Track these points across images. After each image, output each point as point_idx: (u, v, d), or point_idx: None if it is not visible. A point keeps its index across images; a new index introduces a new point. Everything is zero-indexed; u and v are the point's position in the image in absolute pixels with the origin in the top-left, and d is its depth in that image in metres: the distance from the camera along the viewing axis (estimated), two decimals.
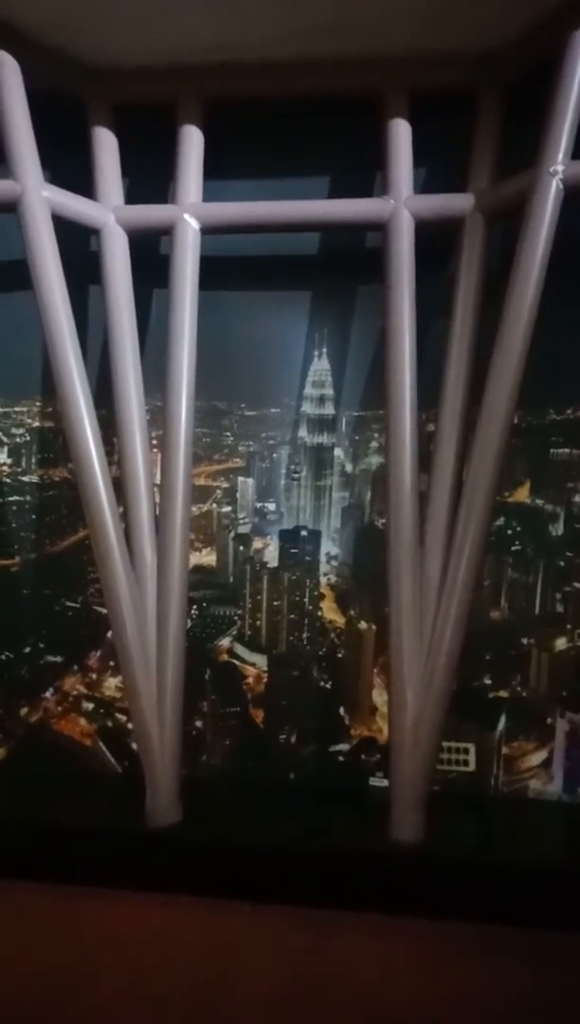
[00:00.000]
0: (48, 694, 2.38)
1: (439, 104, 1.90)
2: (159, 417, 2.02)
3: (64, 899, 1.92)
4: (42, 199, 1.85)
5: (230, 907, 1.87)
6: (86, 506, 1.93)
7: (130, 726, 2.26)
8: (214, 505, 2.34)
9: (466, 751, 2.17)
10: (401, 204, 1.88)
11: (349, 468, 2.27)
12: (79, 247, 2.07)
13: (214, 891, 1.91)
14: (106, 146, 2.03)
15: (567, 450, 2.11)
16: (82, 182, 2.01)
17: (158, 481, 2.02)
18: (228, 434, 2.29)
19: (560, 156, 1.68)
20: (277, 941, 1.80)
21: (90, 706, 2.37)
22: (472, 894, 1.86)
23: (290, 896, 1.89)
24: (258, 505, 2.33)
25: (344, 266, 2.15)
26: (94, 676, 2.37)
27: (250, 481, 2.32)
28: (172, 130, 1.99)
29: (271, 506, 2.32)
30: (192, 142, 1.98)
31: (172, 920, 1.86)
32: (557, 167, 1.68)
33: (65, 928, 1.85)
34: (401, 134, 1.90)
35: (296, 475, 2.30)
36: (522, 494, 2.15)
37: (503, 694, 2.17)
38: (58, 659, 2.38)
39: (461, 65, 1.88)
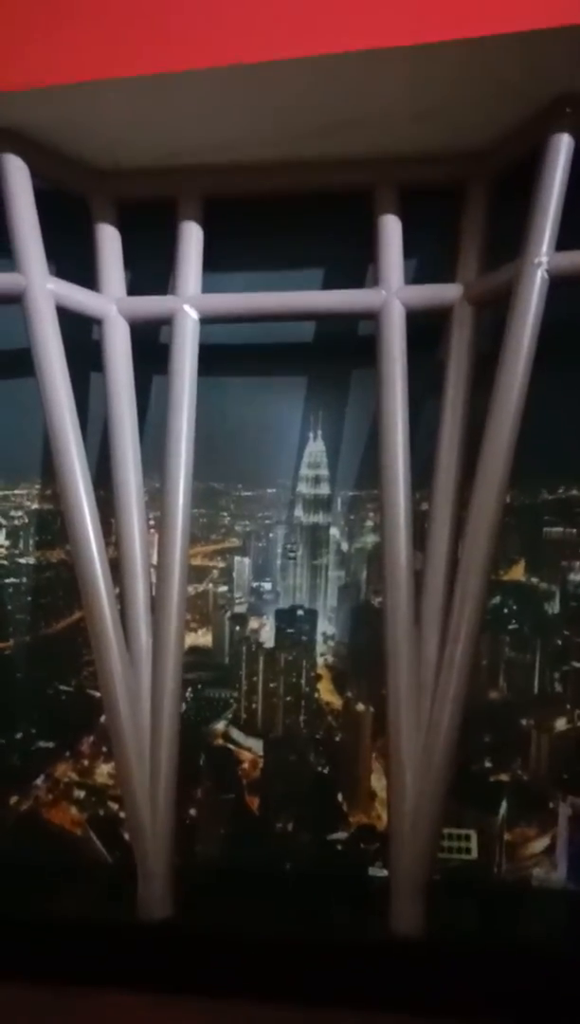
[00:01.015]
0: (39, 781, 2.32)
1: (428, 198, 2.00)
2: (157, 498, 2.04)
3: (51, 998, 1.83)
4: (47, 291, 1.91)
5: (226, 1005, 1.79)
6: (82, 587, 1.93)
7: (122, 814, 2.20)
8: (210, 585, 2.33)
9: (467, 838, 2.10)
10: (392, 295, 1.96)
11: (345, 547, 2.28)
12: (82, 336, 2.14)
13: (209, 988, 1.83)
14: (108, 240, 2.11)
15: (560, 528, 2.13)
16: (85, 273, 2.09)
17: (155, 561, 2.04)
18: (225, 514, 2.31)
19: (544, 248, 1.76)
20: None
21: (81, 794, 2.30)
22: (476, 989, 1.79)
23: (288, 993, 1.81)
24: (254, 584, 2.32)
25: (338, 352, 2.21)
26: (86, 762, 2.32)
27: (246, 560, 2.32)
28: (172, 224, 2.08)
29: (267, 585, 2.32)
30: (191, 237, 2.07)
31: (164, 1021, 1.78)
32: (542, 258, 1.76)
33: None
34: (391, 228, 1.99)
35: (292, 554, 2.31)
36: (517, 572, 2.16)
37: (504, 778, 2.12)
38: (50, 745, 2.33)
39: (449, 162, 1.98)
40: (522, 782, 2.12)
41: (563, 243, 1.78)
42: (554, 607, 2.14)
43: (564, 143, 1.76)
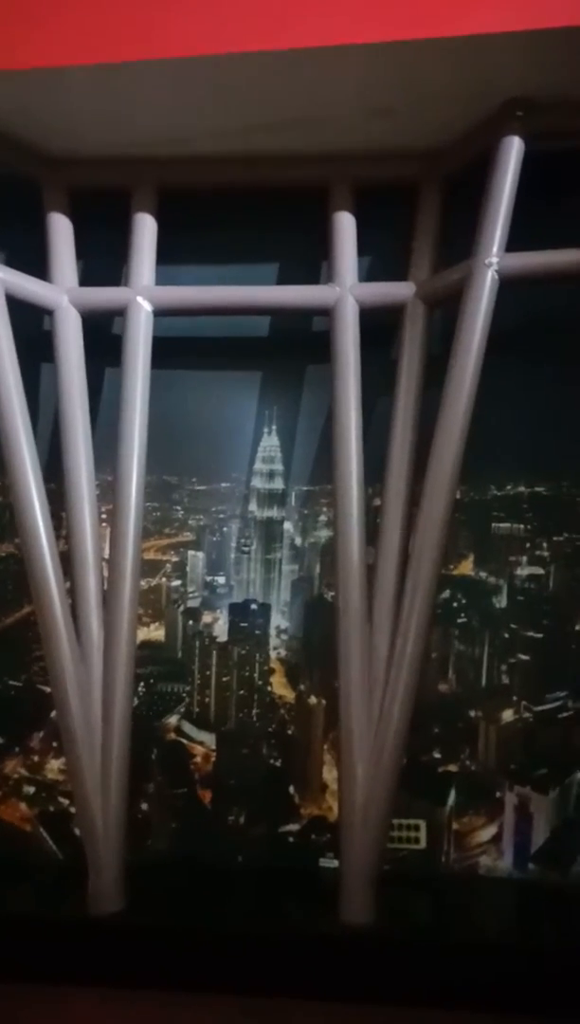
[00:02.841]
0: None
1: (382, 197, 2.02)
2: (109, 491, 2.03)
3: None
4: None
5: (178, 999, 1.79)
6: (32, 580, 1.92)
7: (73, 810, 2.18)
8: (164, 579, 2.32)
9: (417, 828, 2.13)
10: (346, 291, 1.97)
11: (298, 541, 2.30)
12: (32, 326, 2.10)
13: (160, 982, 1.83)
14: (61, 229, 2.09)
15: (508, 524, 2.17)
16: (37, 263, 2.06)
17: (107, 555, 2.02)
18: (178, 508, 2.30)
19: (495, 249, 1.79)
20: None
21: (31, 789, 2.28)
22: (425, 978, 1.82)
23: (241, 985, 1.82)
24: (208, 579, 2.32)
25: (293, 348, 2.22)
26: (36, 758, 2.29)
27: (200, 555, 2.32)
28: (126, 214, 2.06)
29: (221, 579, 2.32)
30: (145, 228, 2.06)
31: (116, 1016, 1.77)
32: (492, 259, 1.79)
33: None
34: (345, 225, 2.01)
35: (246, 548, 2.31)
36: (466, 567, 2.19)
37: (452, 768, 2.16)
38: None
39: (403, 162, 2.01)
40: (470, 772, 2.16)
41: (513, 244, 1.81)
42: (502, 601, 2.19)
43: (515, 146, 1.80)
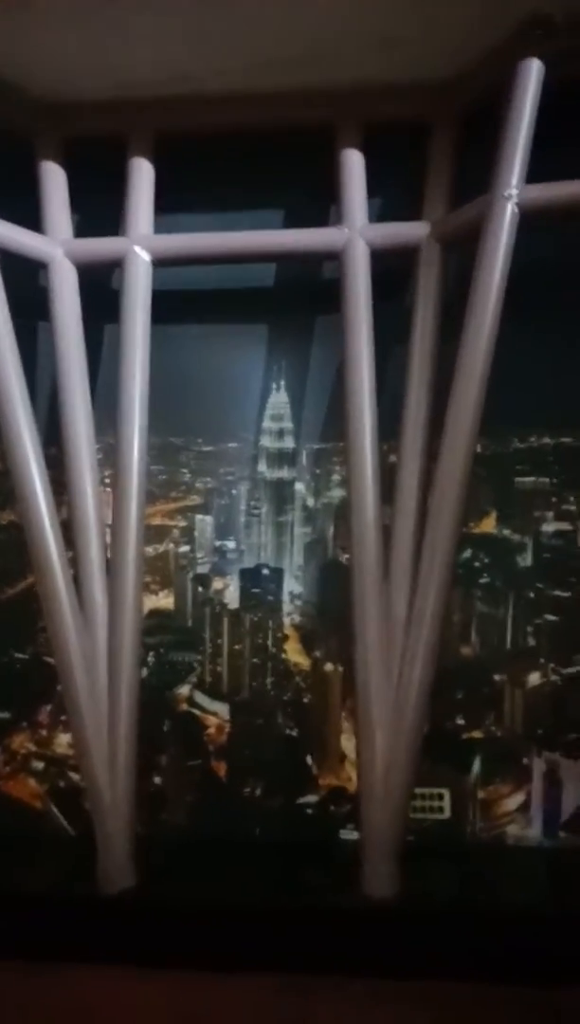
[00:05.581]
0: None
1: (393, 134, 1.91)
2: (112, 455, 1.95)
3: (12, 974, 1.77)
4: None
5: (197, 978, 1.75)
6: (32, 549, 1.85)
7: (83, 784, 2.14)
8: (171, 545, 2.26)
9: (440, 797, 2.08)
10: (356, 233, 1.87)
11: (311, 502, 2.22)
12: (26, 282, 2.01)
13: (177, 960, 1.78)
14: (54, 180, 1.99)
15: (532, 478, 2.09)
16: (30, 216, 1.96)
17: (110, 521, 1.95)
18: (185, 471, 2.23)
19: (514, 180, 1.68)
20: (254, 1014, 1.67)
21: (40, 765, 2.23)
22: (452, 950, 1.76)
23: (259, 961, 1.77)
24: (217, 544, 2.26)
25: (300, 297, 2.13)
26: (44, 732, 2.24)
27: (208, 519, 2.25)
28: (123, 163, 1.96)
29: (231, 544, 2.25)
30: (142, 174, 1.96)
31: (134, 994, 1.72)
32: (511, 191, 1.68)
33: (12, 1009, 1.70)
34: (354, 164, 1.90)
35: (256, 511, 2.24)
36: (488, 525, 2.11)
37: (477, 735, 2.10)
38: (6, 715, 2.26)
39: (414, 95, 1.89)
40: (495, 739, 2.10)
41: (535, 177, 1.69)
42: (526, 559, 2.10)
43: (534, 69, 1.67)
